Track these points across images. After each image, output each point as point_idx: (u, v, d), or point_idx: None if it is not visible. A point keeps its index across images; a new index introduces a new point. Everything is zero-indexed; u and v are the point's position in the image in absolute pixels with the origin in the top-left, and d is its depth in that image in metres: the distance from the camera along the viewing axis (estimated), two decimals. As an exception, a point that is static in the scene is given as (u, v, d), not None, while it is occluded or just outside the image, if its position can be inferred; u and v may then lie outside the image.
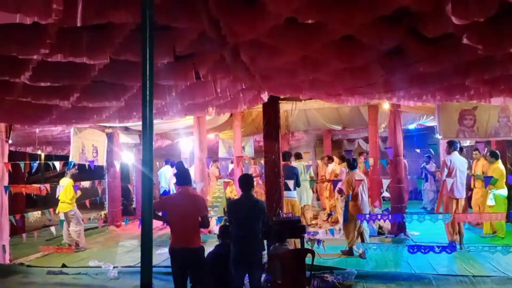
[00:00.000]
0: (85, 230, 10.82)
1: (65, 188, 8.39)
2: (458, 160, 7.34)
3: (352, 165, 7.44)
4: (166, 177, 11.59)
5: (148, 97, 1.90)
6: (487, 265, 6.35)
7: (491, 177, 7.43)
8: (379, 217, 6.93)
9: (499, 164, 7.94)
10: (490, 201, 7.82)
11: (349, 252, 7.21)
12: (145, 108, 1.92)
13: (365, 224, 7.09)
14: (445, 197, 7.50)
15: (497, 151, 8.23)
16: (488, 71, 4.39)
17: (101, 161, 10.29)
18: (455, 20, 3.02)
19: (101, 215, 12.44)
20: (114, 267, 6.82)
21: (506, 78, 4.77)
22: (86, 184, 9.66)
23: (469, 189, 9.01)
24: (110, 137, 10.62)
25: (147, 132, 1.90)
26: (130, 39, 3.41)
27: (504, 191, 7.86)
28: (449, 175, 7.23)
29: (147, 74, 1.92)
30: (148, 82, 1.92)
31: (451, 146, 7.42)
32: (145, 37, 1.97)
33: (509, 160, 10.32)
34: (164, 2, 3.07)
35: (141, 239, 1.95)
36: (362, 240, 7.11)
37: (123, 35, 3.40)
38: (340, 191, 7.86)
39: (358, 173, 7.41)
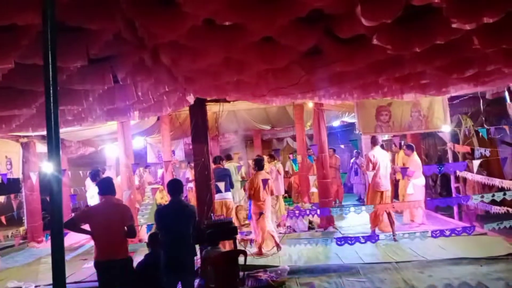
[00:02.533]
0: (2, 249, 9.97)
1: None
2: (380, 155, 7.78)
3: (259, 166, 7.55)
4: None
5: (52, 104, 1.76)
6: (408, 251, 6.75)
7: (407, 168, 7.93)
8: (307, 212, 7.13)
9: (415, 156, 8.49)
10: (410, 190, 8.36)
11: (258, 253, 7.13)
12: (49, 114, 1.78)
13: (270, 222, 7.29)
14: (370, 190, 7.93)
15: (412, 144, 8.80)
16: (398, 70, 4.69)
17: (16, 173, 9.53)
18: (365, 22, 3.19)
19: (19, 232, 11.48)
20: (36, 286, 6.33)
21: (414, 75, 5.14)
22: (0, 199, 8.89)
23: (394, 181, 9.62)
24: (25, 147, 9.85)
25: (52, 138, 1.77)
26: (37, 42, 3.17)
27: (421, 180, 8.42)
28: (373, 169, 7.64)
29: (50, 77, 1.78)
30: (51, 87, 1.78)
31: (373, 141, 7.89)
32: (47, 38, 1.82)
33: (423, 152, 11.15)
34: (74, 2, 2.89)
35: (52, 258, 1.79)
36: (273, 237, 7.25)
37: (29, 37, 3.15)
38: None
39: (263, 174, 7.52)
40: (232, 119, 12.39)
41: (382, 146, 9.39)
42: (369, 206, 7.17)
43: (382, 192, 7.70)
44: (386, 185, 7.73)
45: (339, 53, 4.06)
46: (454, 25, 3.40)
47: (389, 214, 7.51)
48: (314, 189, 9.47)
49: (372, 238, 6.75)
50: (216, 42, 3.71)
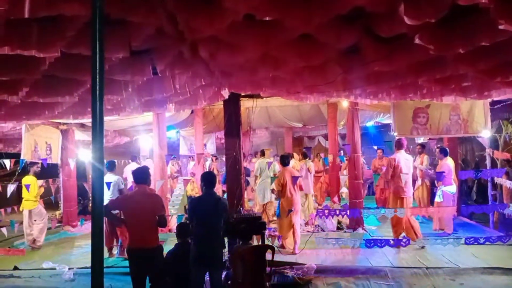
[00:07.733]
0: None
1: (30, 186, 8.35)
2: (403, 159, 7.41)
3: (284, 162, 7.51)
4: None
5: (98, 91, 1.83)
6: (440, 257, 6.59)
7: (443, 172, 7.66)
8: (337, 212, 7.06)
9: (448, 161, 8.11)
10: (438, 198, 7.94)
11: (282, 247, 7.25)
12: (95, 103, 1.85)
13: (298, 220, 7.24)
14: (390, 196, 7.62)
15: (446, 148, 8.45)
16: (439, 71, 4.56)
17: (55, 159, 9.92)
18: (408, 21, 3.12)
19: (55, 215, 11.98)
20: (69, 269, 6.58)
21: (456, 77, 4.98)
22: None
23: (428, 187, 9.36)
24: (64, 134, 10.23)
25: (97, 126, 1.84)
26: (82, 32, 3.28)
27: (452, 188, 7.98)
28: (393, 173, 7.32)
29: (97, 67, 1.85)
30: (98, 76, 1.84)
31: (398, 145, 7.50)
32: (95, 29, 1.89)
33: (460, 157, 10.81)
34: (119, -5, 2.98)
35: (92, 240, 1.87)
36: (294, 236, 7.20)
37: (75, 28, 3.26)
38: (273, 190, 7.94)
39: (290, 170, 7.45)
40: (264, 115, 12.42)
41: (423, 147, 9.14)
42: (401, 210, 6.95)
43: (403, 199, 7.34)
44: (407, 191, 7.38)
45: (378, 52, 3.98)
46: (501, 27, 3.26)
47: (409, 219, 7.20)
48: (344, 189, 9.36)
49: (402, 241, 6.61)
50: (255, 38, 3.72)
